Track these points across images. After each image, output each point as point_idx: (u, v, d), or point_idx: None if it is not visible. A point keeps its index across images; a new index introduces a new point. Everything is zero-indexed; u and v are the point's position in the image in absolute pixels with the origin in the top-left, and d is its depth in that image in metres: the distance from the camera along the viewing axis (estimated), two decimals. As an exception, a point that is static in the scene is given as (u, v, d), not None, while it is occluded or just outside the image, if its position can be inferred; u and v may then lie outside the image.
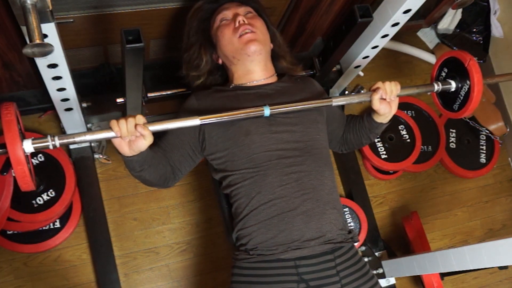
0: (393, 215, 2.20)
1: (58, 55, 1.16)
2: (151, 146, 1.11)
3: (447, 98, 1.39)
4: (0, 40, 1.30)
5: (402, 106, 2.23)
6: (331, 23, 1.71)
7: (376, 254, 2.01)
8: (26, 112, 1.72)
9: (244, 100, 1.28)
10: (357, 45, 1.65)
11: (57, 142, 1.01)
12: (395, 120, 2.18)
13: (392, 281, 1.96)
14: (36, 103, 1.67)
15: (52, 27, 1.04)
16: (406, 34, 2.41)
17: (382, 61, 2.34)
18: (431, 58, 2.42)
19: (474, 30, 2.42)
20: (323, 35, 1.80)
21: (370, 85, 1.39)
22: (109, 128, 1.04)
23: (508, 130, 2.37)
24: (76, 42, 1.42)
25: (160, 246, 1.89)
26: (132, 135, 1.04)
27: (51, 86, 1.31)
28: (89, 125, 1.71)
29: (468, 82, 1.29)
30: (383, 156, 2.12)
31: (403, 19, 1.49)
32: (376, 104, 1.25)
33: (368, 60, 1.76)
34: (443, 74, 1.39)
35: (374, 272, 1.90)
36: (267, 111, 1.17)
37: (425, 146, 2.22)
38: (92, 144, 1.82)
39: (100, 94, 1.62)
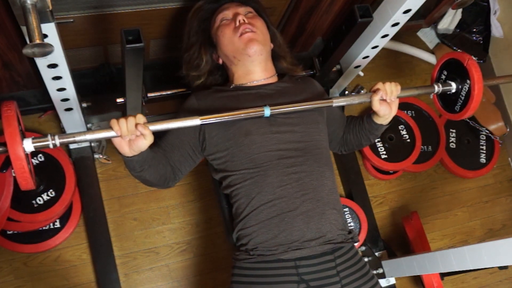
0: (393, 215, 2.20)
1: (58, 55, 1.16)
2: (151, 146, 1.11)
3: (448, 100, 1.39)
4: (0, 40, 1.30)
5: (402, 106, 2.23)
6: (331, 23, 1.71)
7: (376, 254, 2.01)
8: (26, 112, 1.72)
9: (244, 100, 1.28)
10: (357, 45, 1.65)
11: (57, 141, 1.00)
12: (395, 120, 2.18)
13: (392, 281, 1.96)
14: (36, 103, 1.67)
15: (52, 27, 1.04)
16: (406, 34, 2.41)
17: (382, 61, 2.34)
18: (431, 58, 2.42)
19: (474, 30, 2.42)
20: (323, 35, 1.80)
21: (370, 85, 1.39)
22: (109, 127, 1.04)
23: (508, 130, 2.37)
24: (76, 42, 1.42)
25: (160, 246, 1.89)
26: (132, 134, 1.04)
27: (51, 86, 1.31)
28: (89, 125, 1.71)
29: (468, 81, 1.29)
30: (383, 156, 2.12)
31: (403, 19, 1.49)
32: (376, 105, 1.24)
33: (368, 60, 1.76)
34: (443, 76, 1.39)
35: (374, 272, 1.90)
36: (267, 112, 1.17)
37: (425, 146, 2.22)
38: (92, 144, 1.82)
39: (100, 94, 1.62)
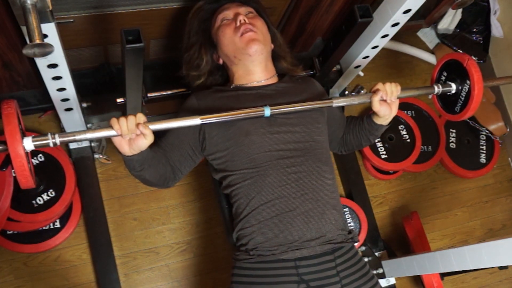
0: (393, 215, 2.20)
1: (58, 55, 1.16)
2: (151, 146, 1.11)
3: (448, 101, 1.39)
4: (0, 40, 1.30)
5: (402, 106, 2.23)
6: (331, 23, 1.71)
7: (376, 254, 2.01)
8: (26, 112, 1.72)
9: (245, 100, 1.28)
10: (357, 45, 1.65)
11: (58, 139, 1.00)
12: (395, 120, 2.18)
13: (392, 281, 1.96)
14: (36, 103, 1.67)
15: (52, 27, 1.04)
16: (406, 34, 2.41)
17: (382, 61, 2.34)
18: (431, 58, 2.42)
19: (474, 30, 2.42)
20: (323, 35, 1.80)
21: (370, 85, 1.39)
22: (110, 126, 1.04)
23: (508, 130, 2.37)
24: (76, 42, 1.42)
25: (160, 246, 1.89)
26: (133, 133, 1.04)
27: (51, 86, 1.31)
28: (89, 125, 1.71)
29: (468, 82, 1.29)
30: (383, 156, 2.12)
31: (403, 19, 1.49)
32: (376, 106, 1.24)
33: (368, 60, 1.76)
34: (443, 77, 1.39)
35: (374, 272, 1.90)
36: (267, 111, 1.17)
37: (425, 146, 2.22)
38: (92, 144, 1.82)
39: (100, 94, 1.62)
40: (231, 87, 1.34)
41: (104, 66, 1.60)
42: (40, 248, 1.72)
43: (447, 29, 2.40)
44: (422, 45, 2.45)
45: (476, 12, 2.39)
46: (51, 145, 1.00)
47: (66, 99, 1.41)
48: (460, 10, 2.36)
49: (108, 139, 1.06)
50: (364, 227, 2.01)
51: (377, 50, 1.69)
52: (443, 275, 1.95)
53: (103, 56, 1.57)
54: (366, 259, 1.98)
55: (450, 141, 2.32)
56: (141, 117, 1.05)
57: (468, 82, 1.29)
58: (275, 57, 1.39)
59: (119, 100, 1.46)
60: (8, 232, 1.69)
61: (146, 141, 1.06)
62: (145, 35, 1.12)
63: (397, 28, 1.54)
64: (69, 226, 1.76)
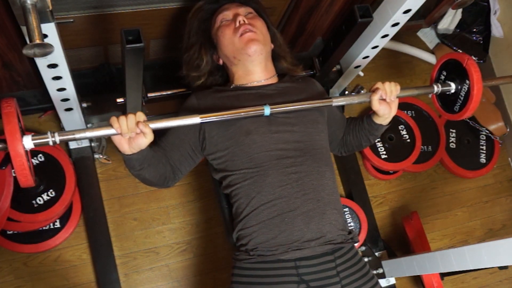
0: (393, 215, 2.20)
1: (58, 55, 1.16)
2: (151, 145, 1.11)
3: (447, 100, 1.39)
4: (0, 40, 1.30)
5: (402, 106, 2.23)
6: (331, 23, 1.71)
7: (376, 254, 2.01)
8: (26, 112, 1.72)
9: (245, 100, 1.28)
10: (357, 45, 1.65)
11: (57, 138, 1.00)
12: (395, 120, 2.18)
13: (392, 281, 1.96)
14: (36, 103, 1.67)
15: (52, 27, 1.04)
16: (406, 34, 2.41)
17: (382, 61, 2.34)
18: (431, 58, 2.42)
19: (474, 30, 2.42)
20: (323, 35, 1.80)
21: (370, 85, 1.39)
22: (109, 125, 1.04)
23: (508, 130, 2.37)
24: (76, 42, 1.42)
25: (160, 246, 1.89)
26: (132, 132, 1.04)
27: (51, 86, 1.31)
28: (89, 125, 1.71)
29: (467, 82, 1.29)
30: (383, 156, 2.12)
31: (403, 19, 1.49)
32: (376, 105, 1.24)
33: (368, 60, 1.76)
34: (442, 77, 1.39)
35: (374, 272, 1.90)
36: (267, 111, 1.17)
37: (425, 146, 2.22)
38: (92, 144, 1.82)
39: (100, 94, 1.62)
40: (231, 87, 1.34)
41: (104, 66, 1.60)
42: (40, 248, 1.72)
43: (447, 29, 2.40)
44: (422, 45, 2.45)
45: (476, 12, 2.39)
46: (51, 143, 1.00)
47: (66, 99, 1.41)
48: (460, 10, 2.36)
49: (108, 139, 1.07)
50: (364, 227, 2.01)
51: (377, 50, 1.69)
52: (443, 275, 1.95)
53: (103, 56, 1.57)
54: (366, 259, 1.98)
55: (450, 141, 2.32)
56: (141, 116, 1.05)
57: (467, 82, 1.29)
58: (275, 57, 1.39)
59: (119, 100, 1.46)
60: (8, 232, 1.69)
61: (146, 139, 1.06)
62: (145, 35, 1.12)
63: (397, 28, 1.54)
64: (69, 226, 1.76)
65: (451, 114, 1.38)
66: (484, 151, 2.36)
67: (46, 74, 1.24)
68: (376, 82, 1.26)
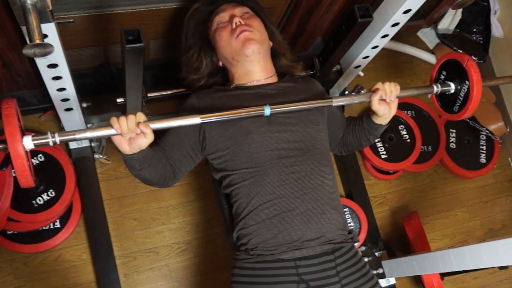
0: (393, 215, 2.20)
1: (58, 55, 1.16)
2: (151, 145, 1.11)
3: (446, 100, 1.39)
4: (0, 40, 1.30)
5: (402, 106, 2.23)
6: (331, 23, 1.71)
7: (376, 254, 2.01)
8: (26, 112, 1.72)
9: (245, 100, 1.28)
10: (357, 45, 1.65)
11: (57, 138, 1.00)
12: (395, 120, 2.18)
13: (392, 281, 1.96)
14: (36, 103, 1.67)
15: (52, 27, 1.04)
16: (406, 34, 2.41)
17: (382, 61, 2.34)
18: (431, 58, 2.42)
19: (474, 30, 2.42)
20: (323, 35, 1.80)
21: (370, 85, 1.39)
22: (109, 125, 1.04)
23: (508, 130, 2.37)
24: (76, 42, 1.42)
25: (160, 246, 1.89)
26: (133, 132, 1.04)
27: (51, 86, 1.31)
28: (89, 125, 1.71)
29: (467, 82, 1.29)
30: (383, 156, 2.12)
31: (403, 19, 1.49)
32: (376, 105, 1.24)
33: (368, 60, 1.76)
34: (442, 77, 1.39)
35: (374, 272, 1.90)
36: (267, 111, 1.17)
37: (425, 146, 2.22)
38: (92, 144, 1.82)
39: (100, 94, 1.62)
40: (231, 86, 1.34)
41: (104, 66, 1.60)
42: (40, 248, 1.72)
43: (447, 29, 2.40)
44: (422, 45, 2.45)
45: (476, 12, 2.39)
46: (51, 144, 1.00)
47: (66, 99, 1.41)
48: (460, 10, 2.36)
49: (108, 139, 1.07)
50: (364, 227, 2.01)
51: (377, 50, 1.69)
52: (443, 275, 1.95)
53: (103, 56, 1.57)
54: (366, 259, 1.98)
55: (450, 141, 2.32)
56: (141, 116, 1.05)
57: (467, 83, 1.29)
58: (275, 55, 1.39)
59: (119, 100, 1.46)
60: (8, 232, 1.69)
61: (146, 140, 1.06)
62: (145, 35, 1.12)
63: (397, 28, 1.54)
64: (69, 226, 1.76)
65: (450, 114, 1.38)
66: (484, 151, 2.36)
67: (46, 74, 1.24)
68: (376, 82, 1.26)
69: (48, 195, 1.69)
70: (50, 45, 0.88)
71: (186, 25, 1.36)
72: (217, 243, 1.94)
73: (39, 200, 1.68)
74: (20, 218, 1.63)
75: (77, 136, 1.02)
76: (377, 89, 1.24)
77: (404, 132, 2.18)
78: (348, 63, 1.79)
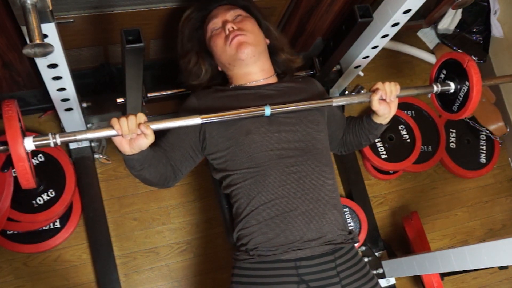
0: (393, 215, 2.20)
1: (58, 55, 1.16)
2: (151, 146, 1.11)
3: (446, 99, 1.39)
4: (0, 40, 1.30)
5: (402, 106, 2.23)
6: (331, 23, 1.71)
7: (376, 254, 2.01)
8: (26, 112, 1.72)
9: (244, 100, 1.28)
10: (357, 45, 1.65)
11: (58, 139, 1.00)
12: (395, 120, 2.18)
13: (392, 281, 1.96)
14: (36, 103, 1.67)
15: (52, 27, 1.04)
16: (406, 34, 2.41)
17: (382, 61, 2.34)
18: (431, 58, 2.42)
19: (474, 30, 2.42)
20: (323, 35, 1.80)
21: (370, 85, 1.39)
22: (110, 126, 1.04)
23: (508, 130, 2.37)
24: (76, 42, 1.42)
25: (160, 246, 1.89)
26: (133, 133, 1.04)
27: (51, 86, 1.31)
28: (89, 125, 1.71)
29: (467, 83, 1.29)
30: (383, 156, 2.12)
31: (403, 19, 1.49)
32: (376, 105, 1.24)
33: (368, 60, 1.76)
34: (442, 76, 1.39)
35: (374, 272, 1.90)
36: (267, 111, 1.17)
37: (425, 146, 2.22)
38: (92, 144, 1.82)
39: (100, 94, 1.62)
40: (231, 87, 1.34)
41: (104, 66, 1.60)
42: (40, 248, 1.72)
43: (447, 29, 2.40)
44: (422, 45, 2.45)
45: (476, 12, 2.39)
46: (52, 145, 1.00)
47: (66, 99, 1.41)
48: (460, 10, 2.36)
49: (108, 139, 1.07)
50: (364, 227, 2.01)
51: (377, 50, 1.69)
52: (443, 275, 1.95)
53: (103, 56, 1.57)
54: (366, 259, 1.98)
55: (450, 141, 2.32)
56: (141, 117, 1.05)
57: (467, 83, 1.29)
58: (273, 51, 1.38)
59: (119, 100, 1.46)
60: (8, 232, 1.69)
61: (147, 140, 1.06)
62: (145, 35, 1.12)
63: (397, 28, 1.54)
64: (69, 226, 1.76)
65: (450, 114, 1.38)
66: (484, 151, 2.36)
67: (46, 74, 1.24)
68: (376, 82, 1.26)
69: (48, 195, 1.69)
70: (50, 45, 0.88)
71: (180, 32, 1.36)
72: (217, 243, 1.94)
73: (39, 200, 1.68)
74: (20, 218, 1.63)
75: (78, 137, 1.02)
76: (377, 89, 1.24)
77: (404, 132, 2.18)
78: (348, 63, 1.79)
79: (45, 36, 1.05)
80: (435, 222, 2.26)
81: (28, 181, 0.99)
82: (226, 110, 1.15)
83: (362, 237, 2.00)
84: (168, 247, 1.90)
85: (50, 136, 1.00)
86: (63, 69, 1.23)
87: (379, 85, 1.24)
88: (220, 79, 1.41)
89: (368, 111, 1.36)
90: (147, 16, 1.37)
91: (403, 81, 2.38)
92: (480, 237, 2.31)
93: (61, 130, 1.73)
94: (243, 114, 1.16)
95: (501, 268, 2.03)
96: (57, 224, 1.76)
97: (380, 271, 1.91)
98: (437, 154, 2.22)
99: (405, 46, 2.39)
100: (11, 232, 1.69)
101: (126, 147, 1.07)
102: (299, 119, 1.27)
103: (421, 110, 2.27)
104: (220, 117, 1.14)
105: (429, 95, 1.43)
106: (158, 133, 1.13)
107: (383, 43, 1.64)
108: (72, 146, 1.80)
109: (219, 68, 1.37)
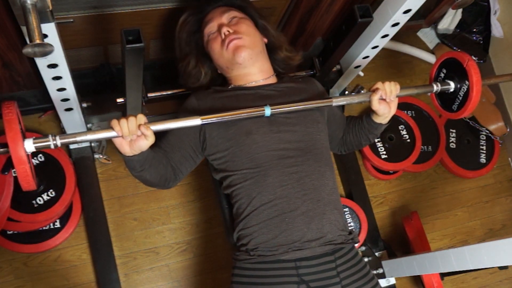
0: (393, 215, 2.20)
1: (58, 55, 1.16)
2: (151, 147, 1.11)
3: (446, 98, 1.39)
4: (0, 40, 1.30)
5: (402, 106, 2.23)
6: (331, 23, 1.71)
7: (376, 254, 2.01)
8: (26, 112, 1.72)
9: (244, 100, 1.28)
10: (357, 45, 1.65)
11: (58, 141, 1.01)
12: (395, 120, 2.18)
13: (392, 281, 1.96)
14: (36, 103, 1.67)
15: (52, 27, 1.04)
16: (406, 34, 2.41)
17: (382, 61, 2.34)
18: (431, 58, 2.42)
19: (474, 30, 2.42)
20: (323, 35, 1.80)
21: (370, 85, 1.39)
22: (110, 127, 1.04)
23: (508, 130, 2.37)
24: (76, 42, 1.42)
25: (160, 246, 1.89)
26: (133, 134, 1.04)
27: (51, 86, 1.31)
28: (89, 125, 1.71)
29: (467, 82, 1.29)
30: (383, 156, 2.12)
31: (403, 19, 1.49)
32: (376, 105, 1.24)
33: (368, 60, 1.76)
34: (442, 75, 1.39)
35: (374, 272, 1.90)
36: (267, 111, 1.17)
37: (425, 146, 2.22)
38: (92, 144, 1.82)
39: (100, 94, 1.62)
40: (230, 87, 1.34)
41: (104, 66, 1.60)
42: (40, 248, 1.72)
43: (447, 29, 2.40)
44: (422, 45, 2.45)
45: (476, 12, 2.39)
46: (52, 147, 1.00)
47: (66, 99, 1.41)
48: (460, 10, 2.36)
49: (109, 140, 1.06)
50: (364, 227, 2.01)
51: (377, 50, 1.69)
52: (443, 275, 1.95)
53: (103, 56, 1.57)
54: (366, 259, 1.98)
55: (450, 141, 2.32)
56: (141, 118, 1.05)
57: (467, 83, 1.29)
58: (271, 50, 1.38)
59: (119, 100, 1.46)
60: (8, 232, 1.69)
61: (147, 142, 1.06)
62: (145, 35, 1.12)
63: (397, 28, 1.54)
64: (69, 226, 1.76)
65: (449, 113, 1.39)
66: (484, 151, 2.36)
67: (46, 74, 1.24)
68: (376, 82, 1.26)
69: (48, 195, 1.69)
70: (50, 45, 0.88)
71: (177, 36, 1.37)
72: (217, 243, 1.94)
73: (39, 200, 1.68)
74: (20, 218, 1.63)
75: (78, 138, 1.02)
76: (377, 89, 1.24)
77: (404, 132, 2.18)
78: (348, 63, 1.79)
79: (45, 36, 1.05)
80: (435, 222, 2.26)
81: (29, 183, 0.99)
82: (226, 111, 1.15)
83: (362, 237, 2.00)
84: (168, 247, 1.90)
85: (50, 138, 1.00)
86: (63, 69, 1.23)
87: (379, 85, 1.24)
88: (220, 80, 1.41)
89: (368, 111, 1.36)
90: (147, 16, 1.37)
91: (403, 81, 2.38)
92: (480, 237, 2.31)
93: (61, 130, 1.73)
94: (243, 114, 1.16)
95: (501, 268, 2.03)
96: (57, 224, 1.76)
97: (380, 271, 1.91)
98: (437, 154, 2.22)
99: (405, 46, 2.39)
100: (11, 232, 1.69)
101: (127, 149, 1.07)
102: (299, 119, 1.27)
103: (421, 110, 2.27)
104: (220, 118, 1.14)
105: (429, 94, 1.43)
106: (158, 134, 1.13)
107: (383, 43, 1.64)
108: (72, 146, 1.80)
109: (218, 71, 1.38)
